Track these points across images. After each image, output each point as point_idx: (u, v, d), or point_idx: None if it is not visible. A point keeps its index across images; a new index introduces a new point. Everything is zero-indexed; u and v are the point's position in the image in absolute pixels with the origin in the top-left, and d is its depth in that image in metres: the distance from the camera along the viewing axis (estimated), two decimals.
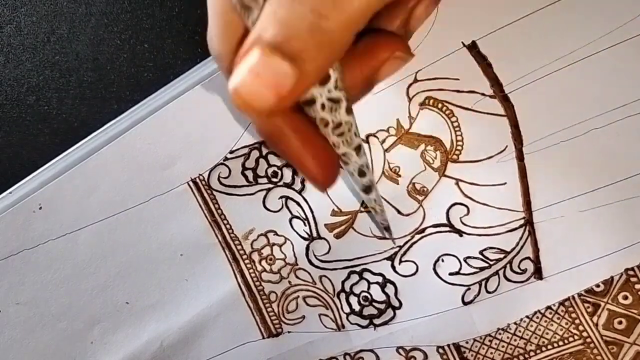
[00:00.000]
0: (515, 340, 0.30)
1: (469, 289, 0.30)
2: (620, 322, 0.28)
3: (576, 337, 0.29)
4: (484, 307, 0.30)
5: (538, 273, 0.29)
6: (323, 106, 0.19)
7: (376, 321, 0.31)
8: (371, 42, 0.20)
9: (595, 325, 0.29)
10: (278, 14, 0.16)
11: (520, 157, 0.28)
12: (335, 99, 0.19)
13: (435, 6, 0.23)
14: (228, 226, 0.31)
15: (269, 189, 0.30)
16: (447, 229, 0.29)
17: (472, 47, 0.27)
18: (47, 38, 0.30)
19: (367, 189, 0.24)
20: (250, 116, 0.18)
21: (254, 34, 0.16)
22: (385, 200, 0.29)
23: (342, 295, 0.31)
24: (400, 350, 0.31)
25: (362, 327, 0.31)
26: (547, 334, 0.29)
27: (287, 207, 0.30)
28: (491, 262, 0.29)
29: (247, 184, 0.30)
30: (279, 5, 0.16)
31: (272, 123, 0.20)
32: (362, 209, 0.30)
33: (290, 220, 0.31)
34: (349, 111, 0.20)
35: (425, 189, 0.29)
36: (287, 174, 0.30)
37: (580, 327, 0.29)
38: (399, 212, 0.30)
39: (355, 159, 0.22)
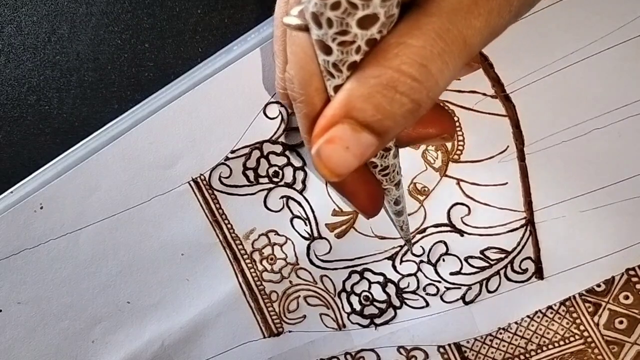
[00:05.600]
0: (516, 339, 0.30)
1: (470, 288, 0.30)
2: (621, 322, 0.28)
3: (577, 337, 0.29)
4: (485, 307, 0.30)
5: (539, 273, 0.29)
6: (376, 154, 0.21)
7: (377, 321, 0.31)
8: (428, 115, 0.21)
9: (596, 325, 0.29)
10: (376, 99, 0.16)
11: (521, 157, 0.28)
12: (387, 148, 0.21)
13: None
14: (229, 226, 0.31)
15: (270, 189, 0.30)
16: (448, 228, 0.29)
17: None
18: (47, 38, 0.30)
19: (399, 213, 0.27)
20: (329, 179, 0.19)
21: (342, 108, 0.17)
22: None
23: (343, 295, 0.31)
24: (401, 350, 0.31)
25: (363, 326, 0.31)
26: (548, 333, 0.29)
27: (288, 207, 0.30)
28: (492, 262, 0.29)
29: (248, 183, 0.30)
30: (377, 92, 0.16)
31: None
32: None
33: (291, 220, 0.31)
34: (395, 155, 0.22)
35: (426, 189, 0.29)
36: (288, 173, 0.30)
37: (582, 327, 0.29)
38: None
39: (394, 192, 0.25)
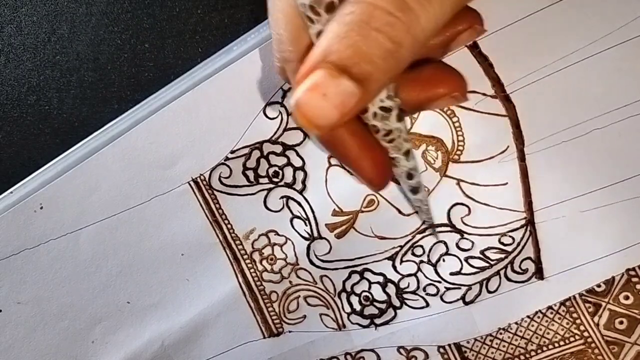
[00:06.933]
0: (516, 340, 0.30)
1: (470, 288, 0.30)
2: (621, 322, 0.28)
3: (577, 337, 0.29)
4: (485, 307, 0.30)
5: (539, 273, 0.29)
6: (375, 114, 0.19)
7: (377, 321, 0.31)
8: (435, 74, 0.20)
9: (596, 325, 0.29)
10: (351, 38, 0.15)
11: (521, 158, 0.28)
12: (387, 108, 0.19)
13: (480, 34, 0.23)
14: (229, 226, 0.31)
15: (270, 189, 0.30)
16: (448, 229, 0.29)
17: (474, 47, 0.27)
18: (47, 38, 0.30)
19: (414, 190, 0.25)
20: (310, 131, 0.17)
21: (320, 52, 0.16)
22: (386, 200, 0.29)
23: (343, 295, 0.31)
24: (401, 350, 0.31)
25: (363, 326, 0.31)
26: (548, 333, 0.29)
27: (288, 207, 0.30)
28: (492, 262, 0.29)
29: (248, 183, 0.30)
30: (351, 30, 0.15)
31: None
32: (362, 209, 0.30)
33: (291, 220, 0.31)
34: (400, 119, 0.20)
35: (426, 189, 0.29)
36: (288, 173, 0.30)
37: (582, 327, 0.29)
38: (400, 212, 0.30)
39: (404, 163, 0.22)
